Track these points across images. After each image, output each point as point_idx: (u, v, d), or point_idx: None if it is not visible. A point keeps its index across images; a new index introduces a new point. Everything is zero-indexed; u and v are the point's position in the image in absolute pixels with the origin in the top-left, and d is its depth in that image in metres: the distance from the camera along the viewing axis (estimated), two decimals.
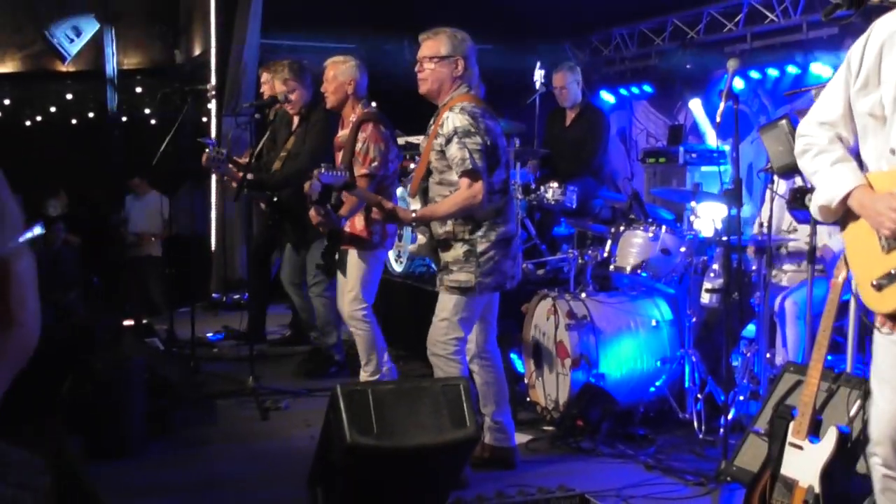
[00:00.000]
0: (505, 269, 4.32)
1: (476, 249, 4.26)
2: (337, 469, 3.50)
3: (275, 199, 6.18)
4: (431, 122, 4.40)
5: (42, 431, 3.90)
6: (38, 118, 12.92)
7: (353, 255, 5.29)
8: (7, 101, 12.56)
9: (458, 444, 3.54)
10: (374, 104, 5.55)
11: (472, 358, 4.48)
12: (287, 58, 6.61)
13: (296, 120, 6.28)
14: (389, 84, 8.66)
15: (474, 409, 3.67)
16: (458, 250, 4.28)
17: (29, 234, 0.90)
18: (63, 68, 11.49)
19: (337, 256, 5.31)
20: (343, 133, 5.39)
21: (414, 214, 4.30)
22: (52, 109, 12.72)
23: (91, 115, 12.61)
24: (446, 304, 4.32)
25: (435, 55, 4.29)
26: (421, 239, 4.42)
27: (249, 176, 5.83)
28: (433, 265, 4.58)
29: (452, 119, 4.18)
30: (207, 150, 5.91)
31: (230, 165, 6.11)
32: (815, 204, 2.88)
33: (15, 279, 0.87)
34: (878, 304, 2.73)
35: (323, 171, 4.36)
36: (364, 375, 5.37)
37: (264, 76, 6.90)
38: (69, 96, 12.62)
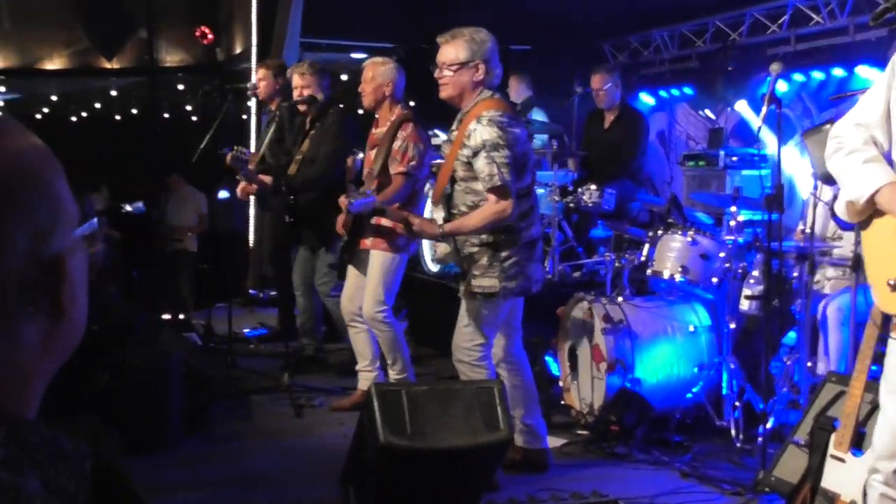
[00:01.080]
0: (531, 274, 4.24)
1: (500, 254, 4.17)
2: (369, 468, 3.47)
3: (291, 201, 6.14)
4: (454, 126, 4.29)
5: (78, 425, 3.92)
6: (84, 114, 13.11)
7: (376, 257, 5.25)
8: (54, 98, 12.78)
9: (490, 447, 3.50)
10: (411, 103, 5.52)
11: (497, 362, 4.43)
12: (325, 58, 6.60)
13: (308, 121, 6.17)
14: (426, 83, 8.65)
15: (509, 412, 3.62)
16: (482, 256, 4.20)
17: (84, 230, 0.94)
18: (108, 65, 11.63)
19: (347, 256, 5.31)
20: (379, 131, 5.35)
21: (440, 230, 4.20)
22: (97, 106, 12.91)
23: (134, 111, 12.78)
24: (470, 311, 4.26)
25: (454, 62, 4.15)
26: (443, 247, 4.35)
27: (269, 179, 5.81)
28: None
29: (480, 132, 4.05)
30: (234, 150, 5.88)
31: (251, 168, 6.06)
32: (841, 200, 2.81)
33: (69, 275, 0.92)
34: (892, 305, 2.66)
35: (351, 200, 4.28)
36: (392, 374, 5.35)
37: (260, 72, 6.86)
38: (113, 93, 12.80)
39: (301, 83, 6.01)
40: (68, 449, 0.87)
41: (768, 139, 6.94)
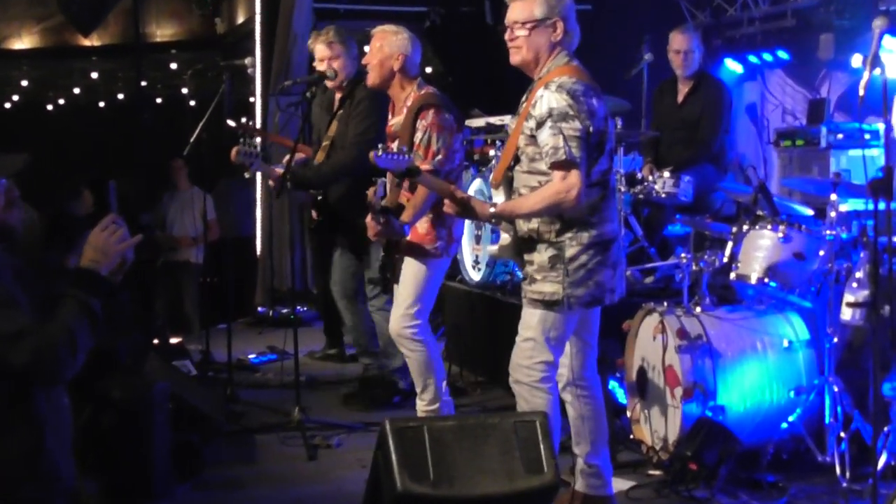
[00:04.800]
0: (603, 280, 4.23)
1: (564, 254, 4.17)
2: None
3: (320, 197, 6.17)
4: (524, 99, 4.33)
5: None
6: (61, 101, 13.31)
7: (409, 264, 5.29)
8: (25, 83, 12.96)
9: (532, 494, 3.50)
10: (428, 86, 5.50)
11: (564, 386, 4.42)
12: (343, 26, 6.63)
13: (336, 99, 6.26)
14: (466, 54, 8.65)
15: (554, 450, 3.61)
16: (543, 255, 4.20)
17: None
18: (87, 42, 11.80)
19: (390, 274, 5.34)
20: (396, 120, 5.41)
21: (493, 210, 4.22)
22: (77, 91, 13.10)
23: (120, 96, 12.95)
24: (530, 321, 4.25)
25: (528, 19, 4.20)
26: (505, 238, 4.35)
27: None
28: (518, 273, 4.52)
29: (548, 98, 4.09)
30: (239, 143, 5.89)
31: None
32: None
33: None
34: None
35: (380, 153, 4.31)
36: (421, 406, 5.39)
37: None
38: (95, 75, 12.97)
39: (329, 54, 6.11)
40: None
41: None
